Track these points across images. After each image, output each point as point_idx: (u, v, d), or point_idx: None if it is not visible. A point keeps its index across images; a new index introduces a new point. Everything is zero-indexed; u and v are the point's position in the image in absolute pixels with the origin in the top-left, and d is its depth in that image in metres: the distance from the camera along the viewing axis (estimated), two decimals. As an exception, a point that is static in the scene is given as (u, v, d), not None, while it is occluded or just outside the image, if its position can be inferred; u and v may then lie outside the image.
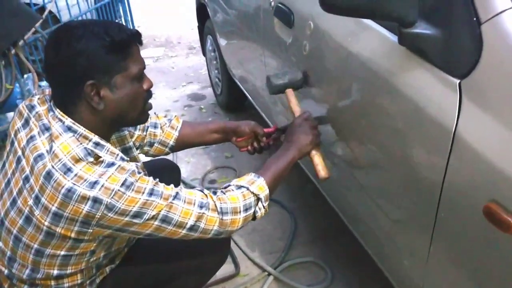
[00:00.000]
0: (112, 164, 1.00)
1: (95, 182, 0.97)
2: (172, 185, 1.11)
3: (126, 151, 1.31)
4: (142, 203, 1.01)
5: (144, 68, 1.11)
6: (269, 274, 1.85)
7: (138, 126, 1.42)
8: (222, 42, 2.71)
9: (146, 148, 1.48)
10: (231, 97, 3.02)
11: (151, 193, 1.03)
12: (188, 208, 1.08)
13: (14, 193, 1.07)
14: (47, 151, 1.01)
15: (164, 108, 3.24)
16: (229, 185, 1.22)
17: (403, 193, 1.12)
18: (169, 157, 2.60)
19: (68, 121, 1.04)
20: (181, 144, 1.53)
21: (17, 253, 1.09)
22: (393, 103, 1.09)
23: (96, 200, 0.97)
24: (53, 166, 0.98)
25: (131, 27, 1.11)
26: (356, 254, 1.86)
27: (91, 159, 1.00)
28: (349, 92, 1.29)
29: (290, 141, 1.32)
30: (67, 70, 1.02)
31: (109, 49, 1.02)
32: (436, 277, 1.08)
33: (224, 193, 1.17)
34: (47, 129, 1.04)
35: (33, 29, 2.22)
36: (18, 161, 1.07)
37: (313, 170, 1.37)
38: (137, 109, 1.13)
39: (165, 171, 1.65)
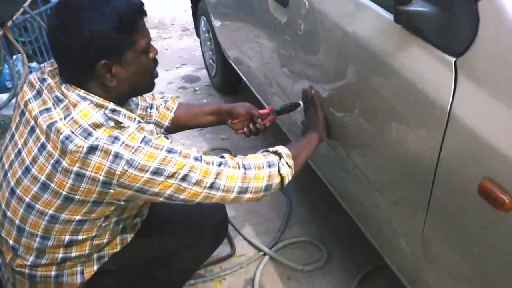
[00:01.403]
0: (131, 125, 1.04)
1: (116, 138, 1.00)
2: (193, 148, 1.13)
3: (140, 122, 1.32)
4: (161, 159, 1.03)
5: (151, 38, 1.13)
6: (265, 254, 1.86)
7: (139, 106, 1.44)
8: (216, 23, 2.67)
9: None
10: (226, 79, 3.00)
11: (169, 151, 1.05)
12: (207, 167, 1.10)
13: (27, 162, 1.08)
14: (60, 118, 1.03)
15: (159, 90, 3.21)
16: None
17: (398, 172, 1.12)
18: (164, 139, 2.62)
19: (82, 92, 1.06)
20: (176, 126, 1.53)
21: (27, 221, 1.10)
22: (388, 82, 1.08)
23: (117, 155, 0.99)
24: (72, 132, 1.00)
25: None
26: (351, 233, 1.89)
27: (112, 124, 1.03)
28: (345, 72, 1.28)
29: (312, 127, 1.41)
30: (78, 53, 1.03)
31: (118, 29, 1.02)
32: (433, 256, 1.09)
33: (245, 155, 1.21)
34: (61, 100, 1.06)
35: (21, 10, 2.17)
36: (32, 130, 1.08)
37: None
38: (147, 80, 1.15)
39: None
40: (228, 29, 2.52)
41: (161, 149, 1.03)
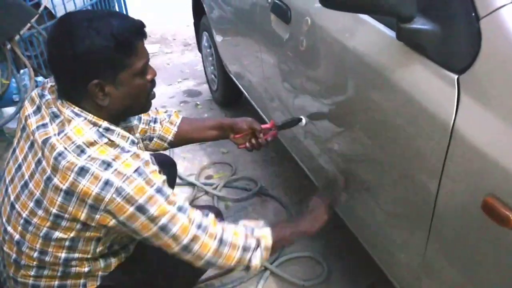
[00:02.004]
0: (127, 150, 1.02)
1: (109, 164, 0.98)
2: (181, 195, 1.10)
3: (134, 142, 1.31)
4: (148, 197, 1.01)
5: (149, 60, 1.11)
6: (266, 269, 1.85)
7: (142, 120, 1.45)
8: (218, 38, 2.70)
9: (146, 142, 1.49)
10: (227, 93, 3.02)
11: (158, 191, 1.02)
12: (187, 224, 1.07)
13: (26, 177, 1.08)
14: (54, 134, 1.03)
15: (160, 104, 3.23)
16: (236, 224, 1.21)
17: (401, 188, 1.13)
18: (166, 152, 2.62)
19: (76, 109, 1.06)
20: (179, 140, 1.53)
21: (26, 237, 1.10)
22: (390, 98, 1.09)
23: (107, 182, 0.98)
24: (65, 148, 1.00)
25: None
26: (351, 249, 1.88)
27: (105, 141, 1.02)
28: (347, 88, 1.29)
29: (306, 218, 1.34)
30: (71, 69, 1.02)
31: (114, 49, 1.01)
32: (434, 272, 1.09)
33: (229, 224, 1.17)
34: (57, 116, 1.06)
35: (28, 25, 2.20)
36: (31, 145, 1.09)
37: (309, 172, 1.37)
38: (142, 101, 1.15)
39: (162, 166, 1.66)
40: (230, 45, 2.54)
41: (152, 186, 1.01)
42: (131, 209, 1.00)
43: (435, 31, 0.97)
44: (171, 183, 1.79)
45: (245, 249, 1.15)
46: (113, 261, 1.22)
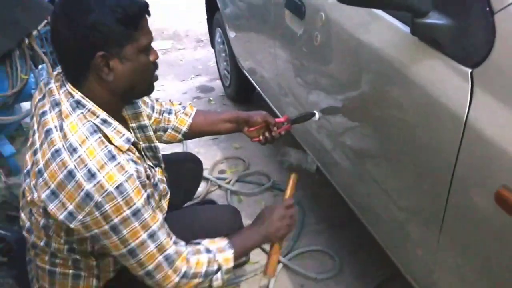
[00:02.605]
0: (113, 157, 1.01)
1: (93, 175, 0.98)
2: (160, 216, 1.11)
3: (142, 128, 1.33)
4: (123, 218, 1.01)
5: (152, 40, 1.12)
6: (279, 262, 1.88)
7: (155, 109, 1.45)
8: (232, 34, 2.72)
9: (159, 133, 1.51)
10: (240, 89, 3.04)
11: (135, 213, 1.02)
12: (155, 253, 1.08)
13: (29, 165, 1.10)
14: (55, 127, 1.03)
15: (173, 100, 3.25)
16: (199, 243, 1.22)
17: (414, 182, 1.14)
18: (179, 147, 2.66)
19: (78, 95, 1.05)
20: (193, 132, 1.56)
21: (33, 225, 1.12)
22: (404, 93, 1.10)
23: (88, 195, 0.97)
24: (63, 145, 1.00)
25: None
26: (364, 243, 1.90)
27: (97, 136, 1.02)
28: (361, 83, 1.31)
29: (262, 225, 1.31)
30: (78, 42, 1.02)
31: (121, 22, 1.02)
32: (447, 264, 1.10)
33: (193, 254, 1.17)
34: (57, 104, 1.06)
35: (45, 21, 2.24)
36: (33, 135, 1.10)
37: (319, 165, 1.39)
38: (145, 80, 1.14)
39: (188, 164, 1.69)
40: (243, 40, 2.56)
41: (130, 208, 1.01)
42: (106, 227, 1.01)
43: (449, 25, 0.98)
44: (197, 181, 1.82)
45: (207, 275, 1.18)
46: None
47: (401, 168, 1.19)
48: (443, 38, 1.00)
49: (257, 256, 1.92)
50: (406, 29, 1.13)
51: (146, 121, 1.33)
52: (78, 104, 1.05)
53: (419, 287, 1.25)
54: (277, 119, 1.57)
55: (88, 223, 1.01)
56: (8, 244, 1.62)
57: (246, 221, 2.05)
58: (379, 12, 1.24)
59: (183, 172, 1.61)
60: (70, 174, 0.98)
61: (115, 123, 1.08)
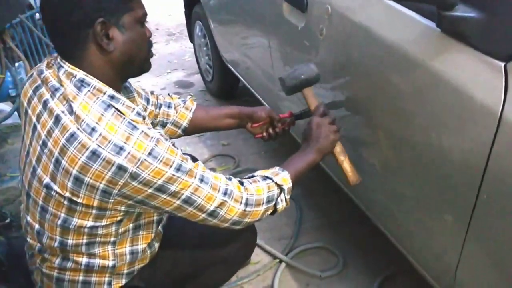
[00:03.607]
0: (135, 127, 0.98)
1: (121, 148, 0.94)
2: (199, 162, 1.09)
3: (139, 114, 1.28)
4: (168, 177, 0.98)
5: (146, 13, 1.09)
6: (281, 261, 1.84)
7: (151, 101, 1.39)
8: (216, 28, 2.65)
9: (158, 128, 1.44)
10: (224, 84, 2.97)
11: (178, 168, 1.00)
12: (212, 193, 1.07)
13: (33, 162, 1.04)
14: (63, 112, 0.98)
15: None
16: (253, 176, 1.22)
17: (442, 178, 1.11)
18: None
19: (81, 73, 1.01)
20: (194, 127, 1.50)
21: (44, 225, 1.06)
22: (428, 89, 1.08)
23: (120, 168, 0.94)
24: (78, 128, 0.95)
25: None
26: (365, 238, 1.89)
27: (112, 111, 0.98)
28: (375, 78, 1.27)
29: (310, 144, 1.30)
30: (75, 13, 0.98)
31: None
32: (471, 263, 1.09)
33: (250, 183, 1.17)
34: (57, 89, 1.01)
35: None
36: (34, 128, 1.04)
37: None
38: (143, 53, 1.10)
39: None
40: (230, 34, 2.49)
41: (170, 166, 0.98)
42: (149, 190, 0.99)
43: (478, 18, 0.96)
44: None
45: (269, 200, 1.18)
46: (139, 256, 1.19)
47: (428, 164, 1.15)
48: (472, 31, 0.98)
49: (258, 256, 1.88)
50: (426, 22, 1.11)
51: (139, 107, 1.26)
52: (82, 83, 1.01)
53: (438, 285, 1.25)
54: (281, 115, 1.52)
55: (127, 193, 0.98)
56: (-4, 258, 1.52)
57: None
58: (394, 4, 1.21)
59: None
60: (94, 154, 0.94)
61: (122, 98, 1.04)
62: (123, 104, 1.03)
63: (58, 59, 1.04)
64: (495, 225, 1.00)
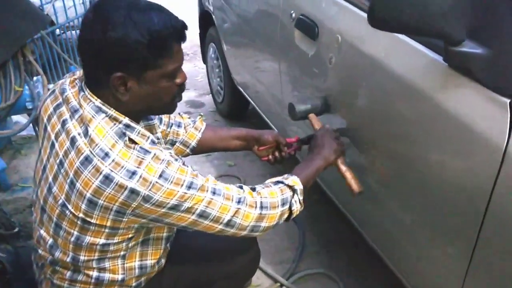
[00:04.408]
0: (147, 151, 0.99)
1: (134, 172, 0.96)
2: (209, 176, 1.11)
3: (153, 142, 1.30)
4: (180, 196, 1.00)
5: (181, 65, 1.07)
6: (281, 285, 1.84)
7: (164, 121, 1.42)
8: (228, 50, 2.70)
9: (167, 146, 1.47)
10: (234, 106, 3.01)
11: (189, 186, 1.01)
12: (226, 203, 1.08)
13: (50, 179, 1.07)
14: (79, 134, 1.00)
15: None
16: (264, 183, 1.24)
17: (445, 212, 1.12)
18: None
19: (98, 102, 1.03)
20: (202, 147, 1.52)
21: (58, 241, 1.09)
22: (436, 121, 1.09)
23: (133, 191, 0.96)
24: (91, 151, 0.97)
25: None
26: (366, 264, 1.89)
27: (126, 140, 1.00)
28: (381, 106, 1.30)
29: (315, 151, 1.35)
30: (97, 56, 0.98)
31: (147, 47, 0.96)
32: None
33: (263, 188, 1.19)
34: (76, 111, 1.03)
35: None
36: (52, 146, 1.07)
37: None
38: (164, 104, 1.10)
39: None
40: (242, 57, 2.54)
41: (181, 185, 1.00)
42: (163, 210, 1.00)
43: (485, 54, 0.98)
44: None
45: (284, 202, 1.19)
46: (148, 271, 1.20)
47: (432, 197, 1.16)
48: (478, 67, 1.00)
49: (258, 280, 1.88)
50: (433, 55, 1.13)
51: (159, 134, 1.30)
52: (99, 109, 1.03)
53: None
54: (288, 139, 1.55)
55: (140, 213, 1.00)
56: (2, 266, 1.53)
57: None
58: (402, 37, 1.24)
59: None
60: (108, 178, 0.96)
61: (137, 127, 1.06)
62: (138, 133, 1.05)
63: (82, 82, 1.06)
64: (498, 260, 1.00)
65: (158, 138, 1.28)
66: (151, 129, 1.27)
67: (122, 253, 1.12)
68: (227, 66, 2.77)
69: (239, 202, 1.10)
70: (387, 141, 1.31)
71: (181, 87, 1.11)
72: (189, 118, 1.53)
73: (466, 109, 1.02)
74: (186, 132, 1.48)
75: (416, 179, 1.21)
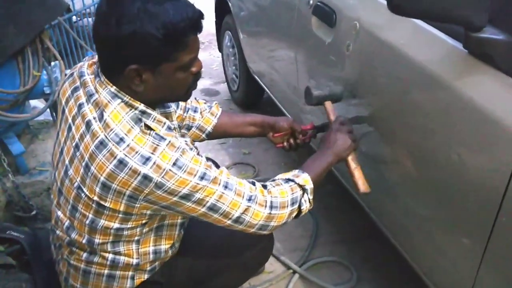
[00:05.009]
0: (162, 138, 1.00)
1: (148, 158, 0.97)
2: (223, 168, 1.11)
3: (170, 129, 1.30)
4: (192, 186, 1.00)
5: (197, 54, 1.06)
6: (294, 272, 1.85)
7: (180, 105, 1.43)
8: (244, 38, 2.69)
9: (183, 131, 1.48)
10: (249, 94, 3.01)
11: (202, 177, 1.01)
12: (237, 199, 1.08)
13: (66, 162, 1.08)
14: (94, 118, 1.01)
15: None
16: (274, 179, 1.23)
17: (462, 198, 1.11)
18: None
19: (113, 88, 1.03)
20: (217, 132, 1.53)
21: (74, 223, 1.11)
22: (455, 109, 1.08)
23: (146, 177, 0.97)
24: (106, 136, 0.98)
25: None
26: (381, 256, 1.88)
27: (142, 126, 1.01)
28: (400, 95, 1.29)
29: (327, 146, 1.33)
30: (113, 49, 0.98)
31: (162, 40, 0.95)
32: (488, 282, 1.08)
33: (273, 186, 1.18)
34: (92, 95, 1.04)
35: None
36: (69, 129, 1.08)
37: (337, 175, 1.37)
38: (179, 93, 1.10)
39: None
40: (258, 45, 2.53)
41: (194, 175, 1.00)
42: (174, 198, 1.01)
43: (507, 41, 0.97)
44: None
45: (293, 202, 1.18)
46: (162, 255, 1.22)
47: (448, 184, 1.15)
48: (499, 54, 0.99)
49: (271, 266, 1.89)
50: (452, 42, 1.12)
51: (175, 122, 1.30)
52: (115, 95, 1.03)
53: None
54: (303, 126, 1.54)
55: (152, 199, 1.01)
56: (21, 247, 1.57)
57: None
58: (421, 23, 1.22)
59: None
60: (122, 163, 0.97)
61: (153, 113, 1.06)
62: (154, 119, 1.05)
63: (99, 68, 1.06)
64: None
65: (173, 125, 1.28)
66: (167, 116, 1.27)
67: (136, 238, 1.13)
68: (243, 54, 2.76)
69: (250, 199, 1.10)
70: (404, 131, 1.30)
71: (197, 76, 1.10)
72: (205, 103, 1.53)
73: (486, 97, 1.00)
74: (202, 117, 1.49)
75: (433, 167, 1.20)
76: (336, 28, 1.58)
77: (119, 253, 1.14)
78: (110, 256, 1.14)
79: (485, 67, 1.02)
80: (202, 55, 4.09)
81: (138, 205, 1.02)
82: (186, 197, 1.01)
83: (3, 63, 1.80)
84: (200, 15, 1.01)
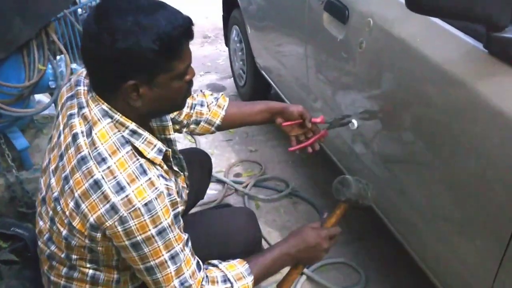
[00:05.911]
0: (144, 172, 0.96)
1: (122, 188, 0.94)
2: (184, 237, 1.05)
3: (167, 142, 1.26)
4: (147, 237, 0.96)
5: (191, 62, 1.03)
6: (302, 273, 1.82)
7: (186, 103, 1.36)
8: (252, 33, 2.65)
9: (192, 126, 1.46)
10: (256, 90, 2.96)
11: (160, 232, 0.97)
12: (172, 276, 1.03)
13: (51, 170, 1.06)
14: (82, 132, 0.99)
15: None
16: (217, 266, 1.15)
17: (480, 201, 1.08)
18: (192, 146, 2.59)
19: (105, 106, 1.00)
20: (227, 124, 1.50)
21: (53, 236, 1.08)
22: (474, 110, 1.05)
23: (113, 207, 0.94)
24: (89, 153, 0.96)
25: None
26: (390, 257, 1.85)
27: (128, 149, 0.98)
28: (414, 94, 1.25)
29: (297, 245, 1.21)
30: (107, 67, 0.95)
31: (158, 52, 0.93)
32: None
33: (208, 283, 1.09)
34: (82, 108, 1.02)
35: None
36: (59, 136, 1.06)
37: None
38: (175, 103, 1.08)
39: (196, 161, 1.62)
40: (266, 41, 2.49)
41: (155, 226, 0.96)
42: (126, 242, 0.97)
43: (531, 42, 0.93)
44: (206, 178, 1.76)
45: None
46: None
47: (464, 188, 1.12)
48: (523, 54, 0.95)
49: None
50: (472, 41, 1.08)
51: (172, 135, 1.26)
52: (106, 113, 1.00)
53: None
54: (313, 119, 1.48)
55: (109, 235, 0.97)
56: (25, 244, 1.55)
57: (265, 229, 2.01)
58: (438, 21, 1.18)
59: (194, 171, 1.49)
60: (96, 184, 0.94)
61: (144, 133, 1.03)
62: (144, 140, 1.02)
63: (91, 86, 1.04)
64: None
65: (171, 140, 1.25)
66: (164, 129, 1.24)
67: (114, 263, 1.09)
68: (250, 49, 2.72)
69: (182, 284, 1.04)
70: (420, 133, 1.26)
71: (190, 84, 1.08)
72: (211, 95, 1.50)
73: (508, 99, 0.96)
74: (209, 110, 1.46)
75: (450, 168, 1.16)
76: (348, 25, 1.54)
77: (99, 270, 1.10)
78: (90, 272, 1.09)
79: (507, 68, 0.98)
80: (208, 49, 4.06)
81: (99, 235, 0.98)
82: (136, 246, 0.97)
83: (8, 57, 1.77)
84: (190, 22, 0.99)
